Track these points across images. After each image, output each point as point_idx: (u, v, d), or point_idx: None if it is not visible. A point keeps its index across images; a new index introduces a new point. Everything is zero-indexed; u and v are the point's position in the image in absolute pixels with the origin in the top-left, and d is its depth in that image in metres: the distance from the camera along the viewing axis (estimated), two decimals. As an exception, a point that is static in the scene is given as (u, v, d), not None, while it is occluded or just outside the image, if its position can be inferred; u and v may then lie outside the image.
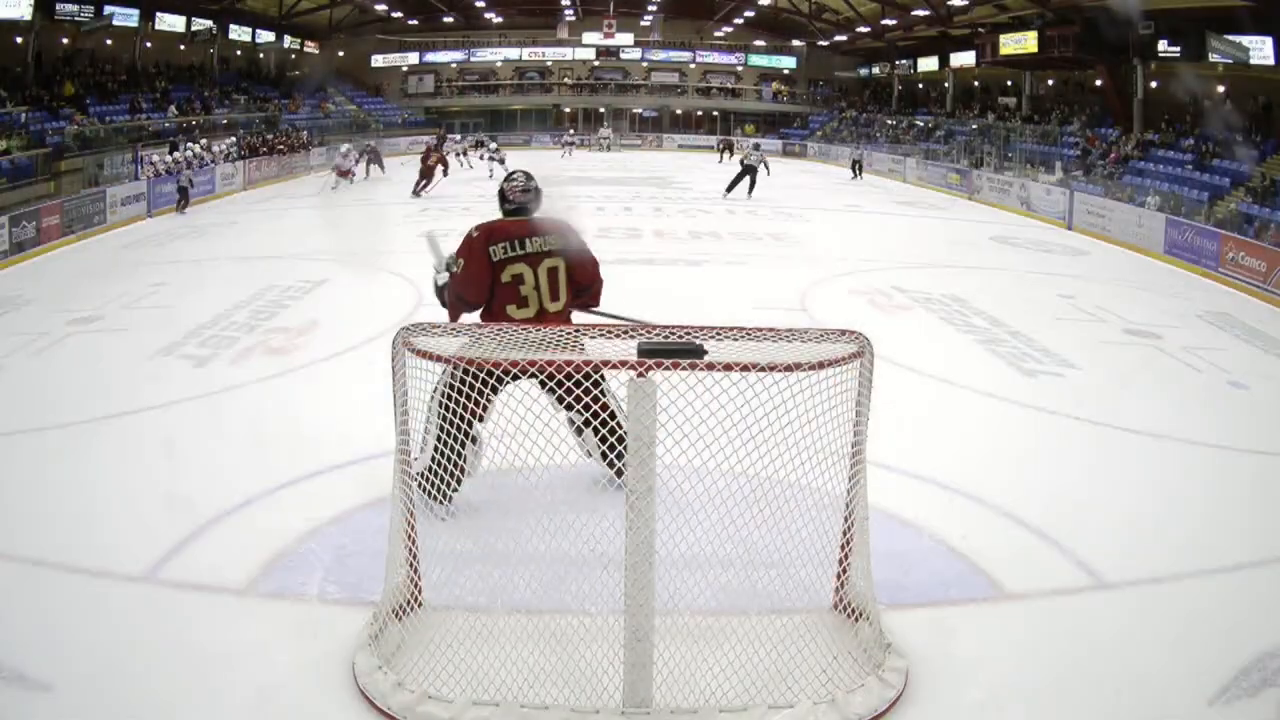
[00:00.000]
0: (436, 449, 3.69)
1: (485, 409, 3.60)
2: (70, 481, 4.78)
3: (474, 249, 4.16)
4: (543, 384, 3.31)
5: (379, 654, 3.21)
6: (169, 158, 18.00)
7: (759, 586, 3.44)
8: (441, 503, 3.92)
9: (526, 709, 2.97)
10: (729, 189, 18.52)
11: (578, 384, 3.05)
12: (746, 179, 18.56)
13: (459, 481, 3.87)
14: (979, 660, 3.37)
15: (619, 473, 3.23)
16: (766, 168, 19.30)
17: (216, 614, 3.60)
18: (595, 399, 3.53)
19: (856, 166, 25.80)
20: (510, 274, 4.13)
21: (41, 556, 3.95)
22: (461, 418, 3.48)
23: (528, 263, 4.17)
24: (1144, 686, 3.25)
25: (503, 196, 4.40)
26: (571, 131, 34.03)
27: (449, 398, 3.42)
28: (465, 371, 3.31)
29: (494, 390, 3.50)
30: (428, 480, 3.74)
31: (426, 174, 18.98)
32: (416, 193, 18.08)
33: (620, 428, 3.46)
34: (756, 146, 21.10)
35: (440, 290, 4.46)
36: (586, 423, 3.77)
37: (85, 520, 4.31)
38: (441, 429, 3.62)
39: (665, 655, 3.04)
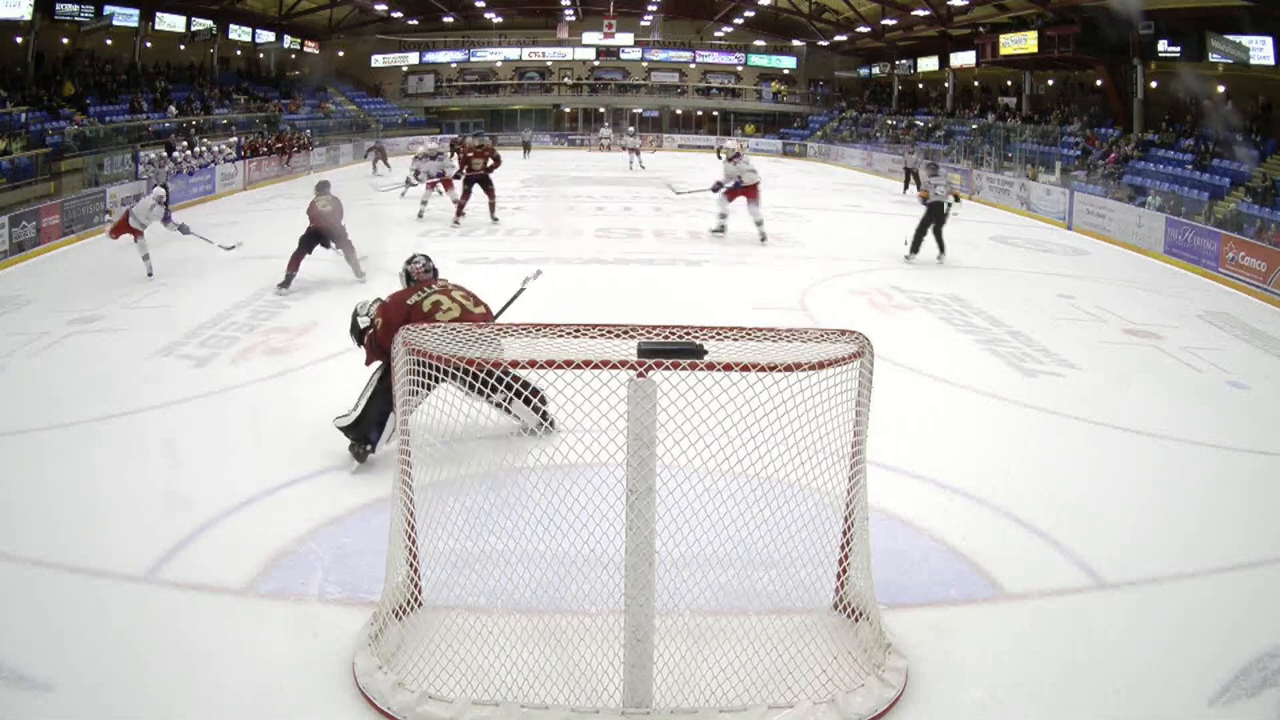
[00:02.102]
0: (364, 412, 4.91)
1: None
2: (70, 481, 4.78)
3: (390, 306, 5.01)
4: (470, 385, 3.57)
5: (379, 654, 3.21)
6: (171, 157, 17.99)
7: (759, 586, 3.45)
8: (359, 453, 4.93)
9: (526, 709, 2.98)
10: (914, 247, 11.44)
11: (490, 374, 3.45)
12: (931, 226, 11.41)
13: (373, 446, 4.94)
14: (979, 660, 3.38)
15: (545, 414, 3.99)
16: (957, 202, 11.99)
17: (216, 614, 3.60)
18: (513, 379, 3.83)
19: (914, 179, 19.53)
20: (430, 302, 4.99)
21: (41, 556, 3.96)
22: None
23: (441, 292, 5.07)
24: (1144, 686, 3.26)
25: (408, 276, 5.40)
26: (631, 131, 31.08)
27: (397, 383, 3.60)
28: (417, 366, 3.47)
29: (428, 388, 3.60)
30: (350, 431, 4.92)
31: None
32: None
33: (526, 383, 4.00)
34: (934, 169, 12.49)
35: (359, 331, 5.22)
36: (513, 397, 4.25)
37: (85, 520, 4.31)
38: (373, 401, 4.90)
39: (665, 655, 3.04)
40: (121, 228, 10.20)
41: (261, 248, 12.25)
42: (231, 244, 10.79)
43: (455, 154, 15.78)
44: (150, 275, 10.02)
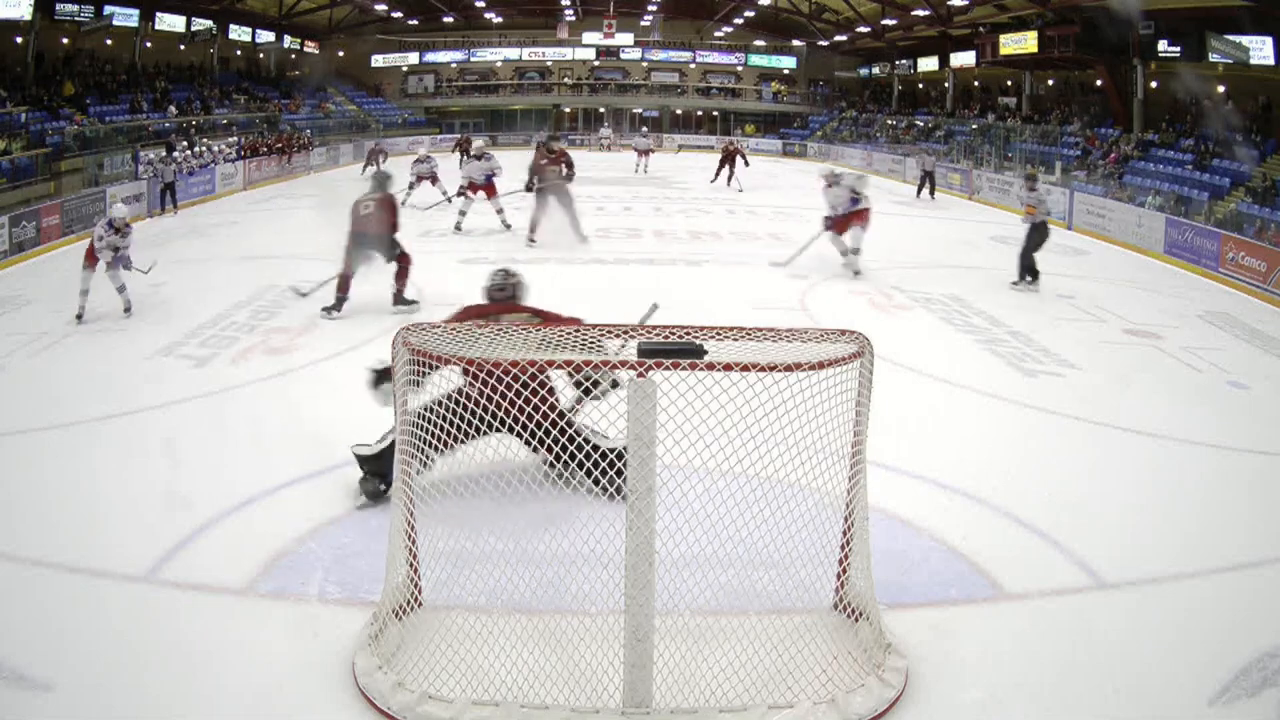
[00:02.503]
0: (389, 449, 4.29)
1: (449, 447, 3.53)
2: (70, 481, 4.78)
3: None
4: (527, 442, 3.52)
5: (379, 654, 3.21)
6: (170, 157, 18.00)
7: (759, 586, 3.45)
8: (370, 490, 4.47)
9: (526, 709, 2.97)
10: (1023, 273, 10.05)
11: (548, 433, 3.36)
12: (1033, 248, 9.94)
13: (389, 486, 4.36)
14: (979, 660, 3.37)
15: (618, 489, 3.35)
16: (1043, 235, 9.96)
17: (216, 614, 3.60)
18: (569, 441, 3.53)
19: (927, 181, 19.70)
20: None
21: (41, 556, 3.96)
22: (429, 444, 3.50)
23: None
24: (1144, 686, 3.26)
25: (486, 294, 4.81)
26: (645, 131, 29.47)
27: (425, 419, 3.45)
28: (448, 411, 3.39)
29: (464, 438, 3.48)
30: (367, 463, 4.43)
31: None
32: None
33: (599, 452, 3.51)
34: (1034, 183, 10.57)
35: (383, 371, 4.32)
36: (565, 465, 3.77)
37: (85, 520, 4.31)
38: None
39: (665, 655, 3.04)
40: (90, 257, 8.15)
41: (261, 248, 12.27)
42: (147, 267, 8.62)
43: (463, 155, 14.49)
44: (127, 311, 8.20)
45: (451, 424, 3.37)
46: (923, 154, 21.51)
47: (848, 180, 10.53)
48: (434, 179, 15.76)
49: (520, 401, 3.23)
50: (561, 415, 3.66)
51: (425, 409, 3.48)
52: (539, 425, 3.45)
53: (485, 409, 3.41)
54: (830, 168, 11.21)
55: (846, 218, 10.31)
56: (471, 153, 13.38)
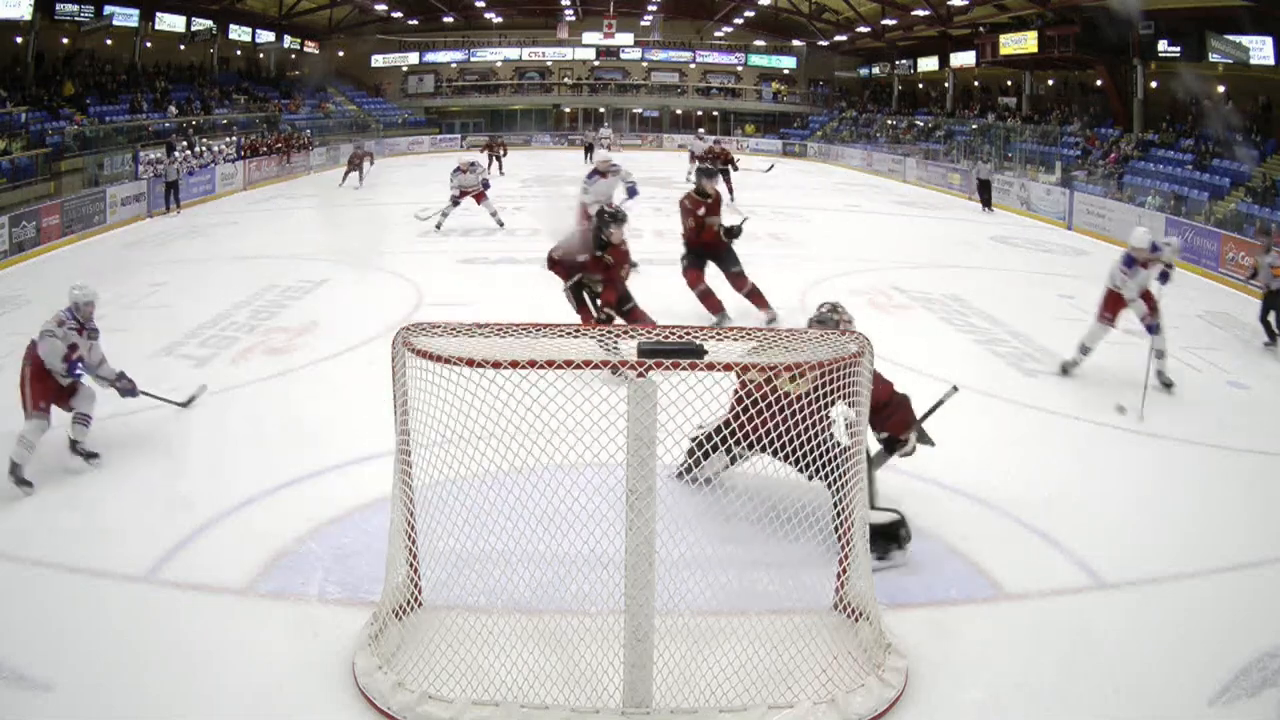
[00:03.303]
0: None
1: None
2: (70, 481, 4.78)
3: None
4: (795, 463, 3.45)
5: (379, 654, 3.21)
6: (171, 157, 18.01)
7: (759, 586, 3.45)
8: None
9: (526, 709, 2.98)
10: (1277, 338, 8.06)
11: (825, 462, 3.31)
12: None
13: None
14: (979, 660, 3.38)
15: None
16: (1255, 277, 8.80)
17: (216, 614, 3.61)
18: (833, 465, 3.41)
19: (985, 191, 17.92)
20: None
21: (41, 556, 3.96)
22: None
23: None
24: (1144, 686, 3.26)
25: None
26: (701, 132, 26.30)
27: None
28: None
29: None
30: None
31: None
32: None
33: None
34: (1268, 240, 8.60)
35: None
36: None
37: (85, 520, 4.32)
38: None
39: (665, 655, 3.04)
40: (40, 386, 5.01)
41: (260, 248, 12.27)
42: (186, 398, 5.94)
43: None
44: (85, 453, 5.03)
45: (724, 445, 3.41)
46: (977, 161, 19.57)
47: (1165, 250, 6.97)
48: (481, 195, 12.87)
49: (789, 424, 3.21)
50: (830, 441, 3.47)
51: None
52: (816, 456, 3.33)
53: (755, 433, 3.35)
54: (1144, 233, 6.94)
55: (1114, 298, 7.00)
56: (595, 165, 9.37)
